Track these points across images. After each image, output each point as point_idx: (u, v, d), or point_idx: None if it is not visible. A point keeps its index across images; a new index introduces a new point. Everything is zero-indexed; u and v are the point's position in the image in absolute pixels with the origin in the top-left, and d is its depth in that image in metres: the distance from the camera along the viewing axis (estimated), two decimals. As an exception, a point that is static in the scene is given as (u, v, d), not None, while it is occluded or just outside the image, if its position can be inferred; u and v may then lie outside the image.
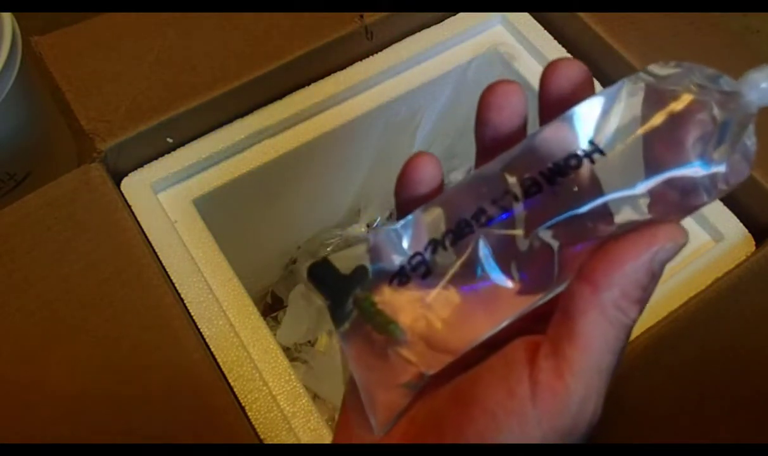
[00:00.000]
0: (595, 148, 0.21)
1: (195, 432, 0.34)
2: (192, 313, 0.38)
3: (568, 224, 0.21)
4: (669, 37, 0.48)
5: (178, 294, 0.39)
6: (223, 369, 0.37)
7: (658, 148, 0.20)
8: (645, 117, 0.21)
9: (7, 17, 0.49)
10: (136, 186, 0.44)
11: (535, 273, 0.22)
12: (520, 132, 0.24)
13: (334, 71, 0.49)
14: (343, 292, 0.23)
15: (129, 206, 0.42)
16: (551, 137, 0.22)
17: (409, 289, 0.23)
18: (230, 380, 0.36)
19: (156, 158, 0.45)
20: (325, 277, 0.23)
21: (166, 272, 0.40)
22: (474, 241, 0.22)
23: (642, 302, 0.20)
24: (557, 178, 0.21)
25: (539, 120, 0.24)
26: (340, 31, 0.47)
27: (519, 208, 0.22)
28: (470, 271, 0.22)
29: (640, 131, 0.21)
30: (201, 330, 0.38)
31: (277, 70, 0.46)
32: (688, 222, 0.44)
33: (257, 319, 0.39)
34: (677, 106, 0.20)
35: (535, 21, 0.52)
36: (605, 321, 0.20)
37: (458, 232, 0.22)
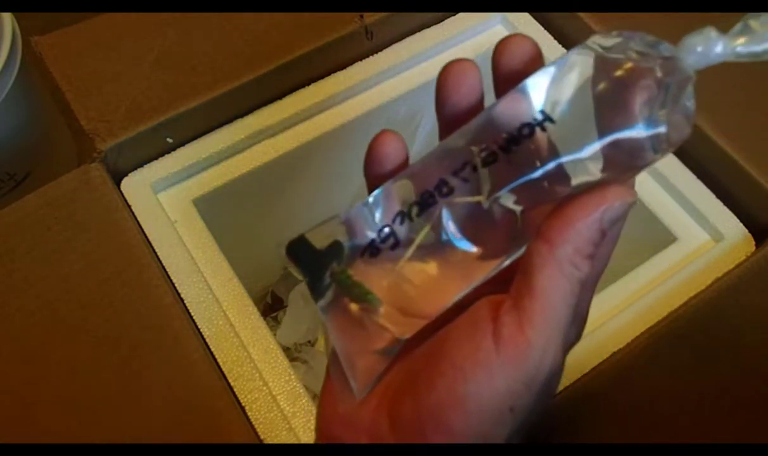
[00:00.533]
0: (545, 117, 0.22)
1: (195, 432, 0.34)
2: (192, 313, 0.38)
3: (525, 189, 0.23)
4: (669, 37, 0.48)
5: (178, 294, 0.39)
6: (223, 369, 0.37)
7: (605, 112, 0.22)
8: (593, 84, 0.22)
9: (7, 17, 0.49)
10: (136, 186, 0.44)
11: (498, 237, 0.23)
12: (478, 106, 0.25)
13: (334, 71, 0.49)
14: (320, 267, 0.24)
15: (129, 206, 0.42)
16: (505, 109, 0.23)
17: (381, 260, 0.24)
18: (230, 380, 0.36)
19: (156, 158, 0.45)
20: (302, 253, 0.25)
21: (166, 272, 0.40)
22: (438, 211, 0.24)
23: (593, 258, 0.22)
24: (512, 147, 0.23)
25: (495, 94, 0.25)
26: (340, 31, 0.47)
27: (477, 178, 0.23)
28: (436, 240, 0.24)
29: (588, 98, 0.22)
30: (201, 330, 0.38)
31: (277, 70, 0.46)
32: (687, 222, 0.44)
33: (257, 319, 0.39)
34: (622, 72, 0.22)
35: (535, 21, 0.52)
36: (561, 276, 0.21)
37: (423, 204, 0.24)
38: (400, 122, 0.52)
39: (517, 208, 0.23)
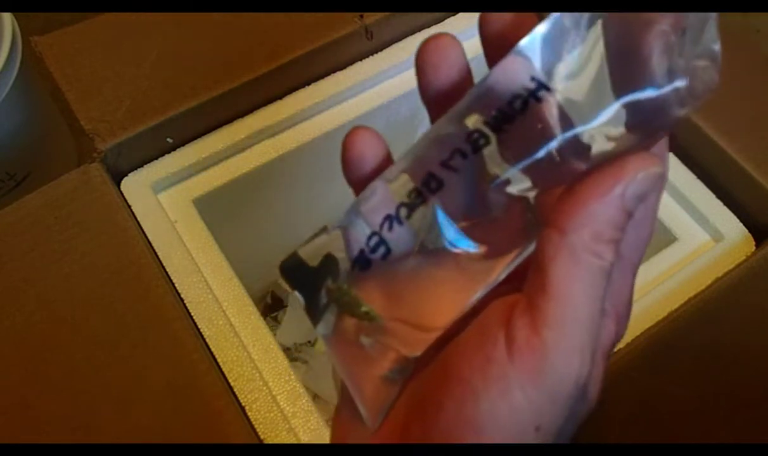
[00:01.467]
0: (540, 85, 0.19)
1: (195, 432, 0.34)
2: (192, 313, 0.38)
3: (531, 171, 0.19)
4: (669, 37, 0.48)
5: (178, 294, 0.39)
6: (223, 369, 0.37)
7: (618, 70, 0.18)
8: (594, 43, 0.19)
9: (7, 17, 0.49)
10: (136, 186, 0.44)
11: (503, 231, 0.20)
12: (465, 83, 0.22)
13: (334, 71, 0.48)
14: (316, 285, 0.22)
15: (129, 206, 0.42)
16: (494, 81, 0.20)
17: (376, 272, 0.21)
18: (230, 380, 0.36)
19: (156, 158, 0.45)
20: (296, 273, 0.22)
21: (166, 272, 0.40)
22: (430, 210, 0.20)
23: (617, 242, 0.19)
24: (503, 126, 0.19)
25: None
26: (340, 31, 0.47)
27: (469, 166, 0.20)
28: (432, 243, 0.21)
29: (597, 56, 0.19)
30: (201, 330, 0.38)
31: (277, 70, 0.46)
32: (687, 222, 0.44)
33: (257, 319, 0.39)
34: (633, 22, 0.18)
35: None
36: (577, 266, 0.18)
37: (411, 204, 0.21)
38: (400, 122, 0.52)
39: (519, 195, 0.20)
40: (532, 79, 0.19)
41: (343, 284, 0.21)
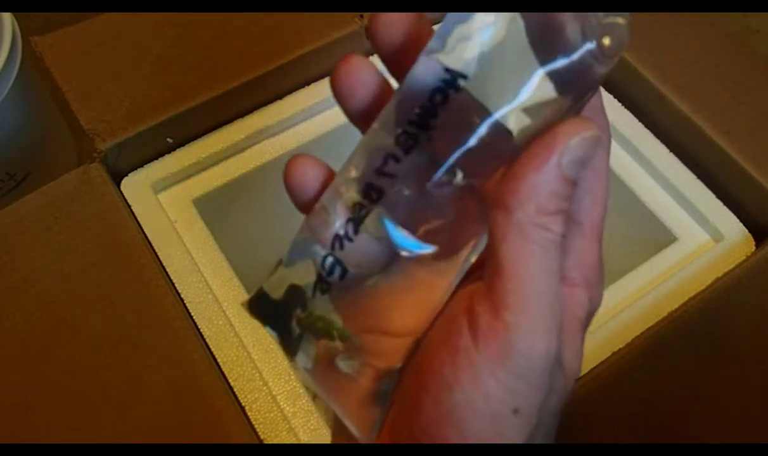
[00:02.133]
0: (455, 74, 0.19)
1: (195, 432, 0.34)
2: (192, 313, 0.38)
3: (465, 162, 0.19)
4: (669, 37, 0.48)
5: (178, 294, 0.39)
6: (223, 369, 0.37)
7: (530, 44, 0.18)
8: (508, 20, 0.19)
9: (7, 17, 0.49)
10: (136, 186, 0.44)
11: (455, 225, 0.20)
12: (385, 95, 0.22)
13: (334, 71, 0.48)
14: (285, 318, 0.22)
15: (129, 206, 0.42)
16: (411, 82, 0.19)
17: (337, 292, 0.21)
18: (230, 380, 0.36)
19: (156, 158, 0.45)
20: (264, 309, 0.22)
21: (166, 272, 0.40)
22: (375, 220, 0.20)
23: (564, 212, 0.19)
24: (429, 121, 0.19)
25: (395, 78, 0.22)
26: (340, 31, 0.47)
27: (404, 169, 0.20)
28: (385, 253, 0.21)
29: (511, 33, 0.19)
30: (201, 330, 0.38)
31: (277, 70, 0.46)
32: (687, 222, 0.44)
33: (257, 319, 0.39)
34: None
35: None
36: (527, 242, 0.18)
37: (356, 218, 0.21)
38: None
39: (461, 186, 0.19)
40: (447, 70, 0.19)
41: (312, 310, 0.21)
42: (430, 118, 0.19)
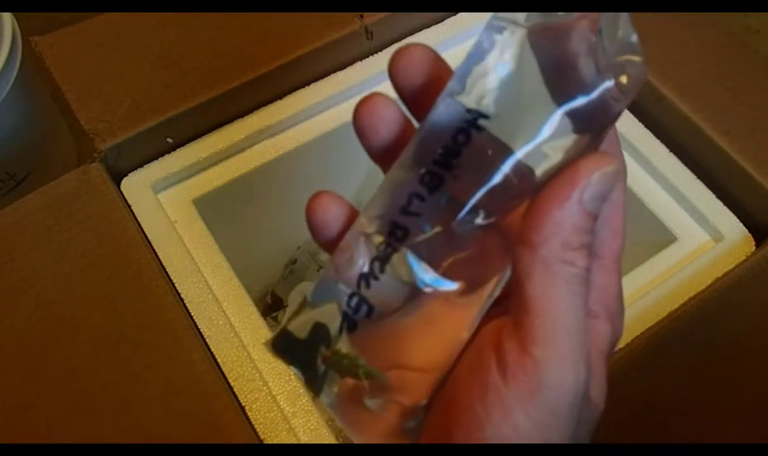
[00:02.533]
0: (477, 114, 0.20)
1: (195, 432, 0.34)
2: (192, 313, 0.38)
3: (488, 200, 0.20)
4: (669, 37, 0.48)
5: (178, 294, 0.39)
6: (223, 369, 0.37)
7: (549, 82, 0.19)
8: (522, 59, 0.19)
9: (7, 17, 0.49)
10: (136, 186, 0.44)
11: (478, 261, 0.21)
12: (407, 133, 0.22)
13: (334, 71, 0.48)
14: (310, 356, 0.22)
15: (129, 206, 0.42)
16: (434, 122, 0.20)
17: (363, 330, 0.21)
18: (230, 380, 0.36)
19: (156, 158, 0.45)
20: (288, 348, 0.22)
21: (166, 272, 0.40)
22: (401, 259, 0.21)
23: (588, 247, 0.19)
24: (452, 161, 0.20)
25: (413, 117, 0.23)
26: (340, 31, 0.47)
27: (429, 208, 0.20)
28: (412, 290, 0.21)
29: (527, 75, 0.19)
30: (201, 330, 0.38)
31: (277, 70, 0.46)
32: (687, 222, 0.44)
33: (257, 319, 0.39)
34: (553, 32, 0.19)
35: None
36: (553, 278, 0.18)
37: (382, 257, 0.21)
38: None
39: (485, 224, 0.20)
40: (469, 110, 0.20)
41: (338, 348, 0.22)
42: (453, 157, 0.20)
